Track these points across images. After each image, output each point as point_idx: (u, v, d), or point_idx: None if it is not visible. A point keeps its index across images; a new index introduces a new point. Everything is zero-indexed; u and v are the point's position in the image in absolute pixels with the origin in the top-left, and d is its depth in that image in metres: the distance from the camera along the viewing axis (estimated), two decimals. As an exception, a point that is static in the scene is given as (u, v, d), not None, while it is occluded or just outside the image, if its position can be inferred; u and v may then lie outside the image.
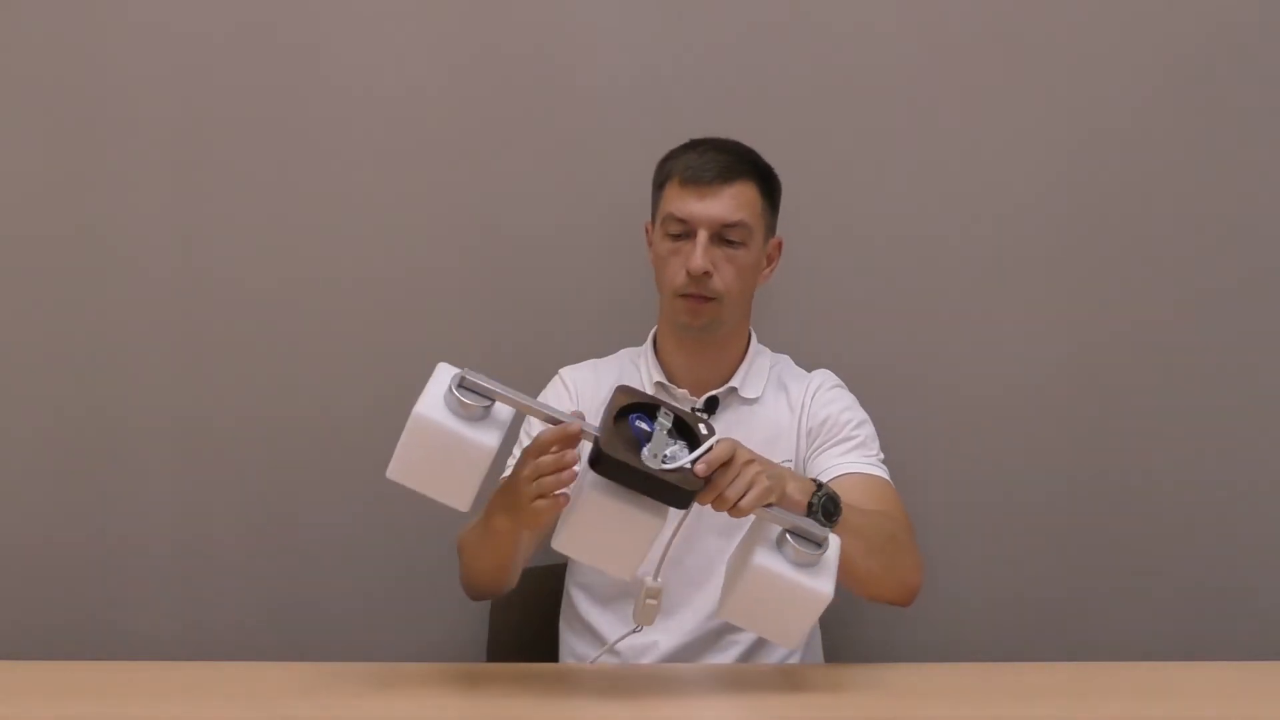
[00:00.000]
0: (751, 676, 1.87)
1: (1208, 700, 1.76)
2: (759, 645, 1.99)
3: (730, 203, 1.96)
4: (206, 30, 2.26)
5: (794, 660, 2.01)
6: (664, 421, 1.64)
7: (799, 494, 1.72)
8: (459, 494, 1.63)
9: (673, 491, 1.60)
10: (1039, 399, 2.37)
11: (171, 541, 2.31)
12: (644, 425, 1.63)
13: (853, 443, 2.00)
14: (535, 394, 2.08)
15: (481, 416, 1.61)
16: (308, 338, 2.31)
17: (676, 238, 1.98)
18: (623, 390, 1.67)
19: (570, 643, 2.07)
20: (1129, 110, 2.34)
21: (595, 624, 2.02)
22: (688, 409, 1.99)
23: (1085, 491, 2.38)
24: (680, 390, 2.04)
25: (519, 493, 1.67)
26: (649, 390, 2.04)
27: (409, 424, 1.61)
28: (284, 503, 2.32)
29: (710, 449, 1.62)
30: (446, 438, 1.60)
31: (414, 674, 1.79)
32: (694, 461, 1.61)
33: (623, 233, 2.27)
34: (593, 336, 2.20)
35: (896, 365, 2.33)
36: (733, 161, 1.99)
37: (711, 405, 2.03)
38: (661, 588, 1.74)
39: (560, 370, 2.11)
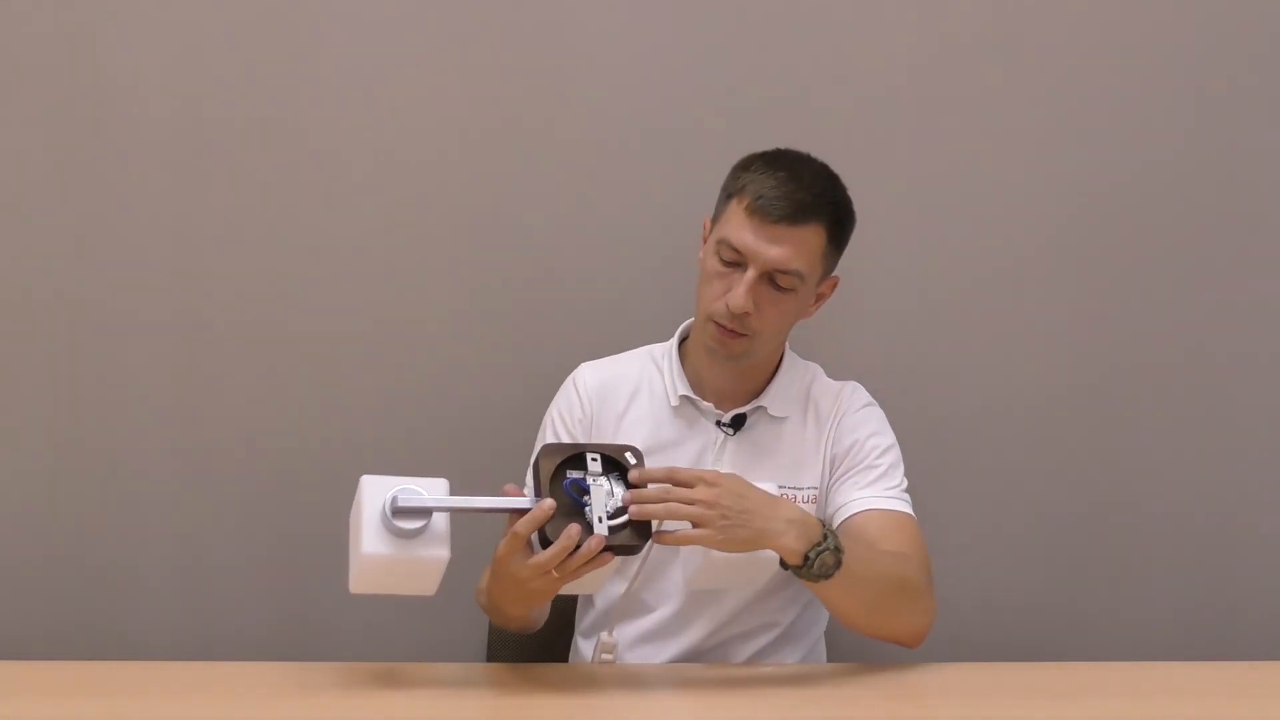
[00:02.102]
0: (753, 676, 1.87)
1: (1208, 700, 1.77)
2: (767, 652, 1.99)
3: (790, 250, 1.85)
4: (207, 31, 2.26)
5: (795, 660, 2.01)
6: (593, 468, 1.64)
7: (799, 540, 1.67)
8: (422, 591, 1.67)
9: (624, 549, 1.63)
10: (1040, 401, 2.37)
11: (172, 542, 2.31)
12: (577, 474, 1.64)
13: (876, 472, 1.94)
14: (552, 395, 2.07)
15: (424, 528, 1.62)
16: (310, 339, 2.30)
17: (727, 263, 1.88)
18: (546, 455, 1.65)
19: (580, 645, 2.06)
20: (1135, 111, 2.34)
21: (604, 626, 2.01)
22: (713, 423, 1.99)
23: (1085, 492, 2.39)
24: (706, 404, 1.98)
25: (532, 589, 1.66)
26: (674, 402, 1.99)
27: (361, 562, 1.63)
28: (285, 503, 2.31)
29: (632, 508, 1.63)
30: (397, 564, 1.63)
31: (414, 674, 1.79)
32: (626, 519, 1.62)
33: (639, 229, 2.29)
34: (609, 335, 2.18)
35: (899, 367, 2.33)
36: (807, 202, 1.85)
37: (738, 422, 1.98)
38: (616, 642, 1.81)
39: (578, 369, 2.06)
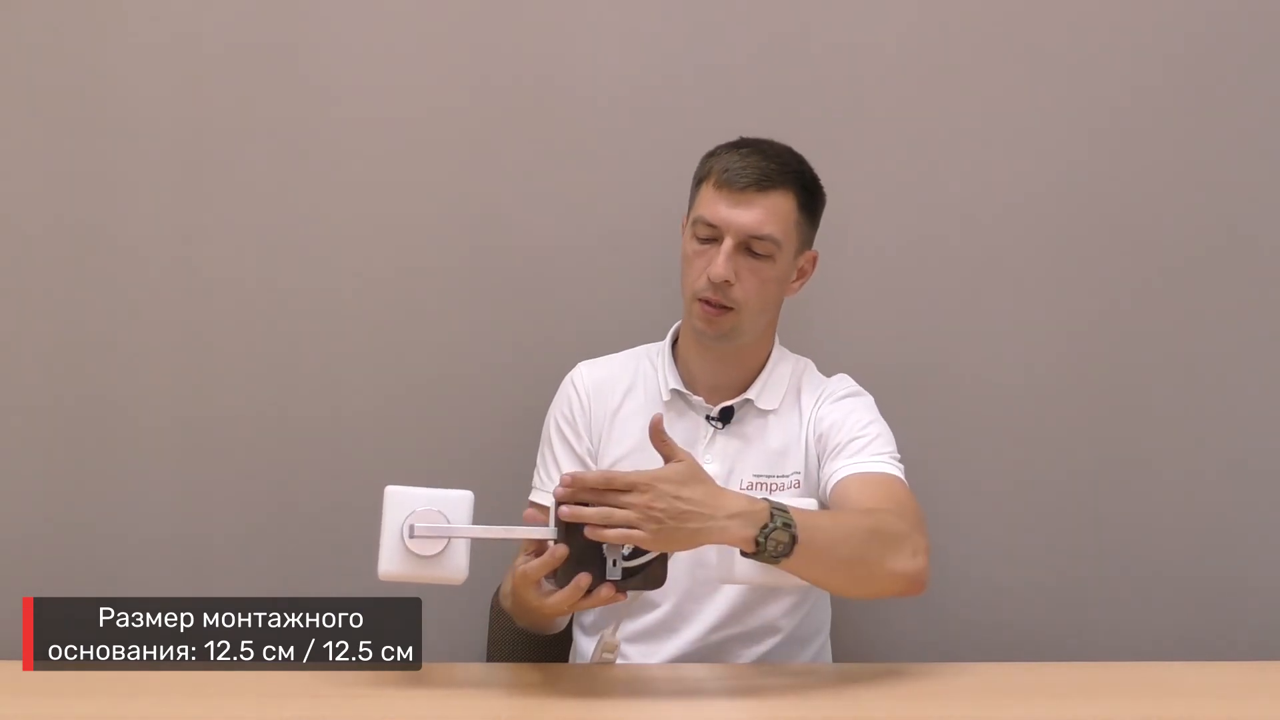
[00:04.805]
0: (757, 676, 1.87)
1: (1208, 700, 1.77)
2: (769, 657, 1.99)
3: (761, 214, 1.91)
4: (209, 32, 2.26)
5: (798, 660, 2.01)
6: None
7: (746, 529, 1.63)
8: (449, 583, 1.67)
9: (639, 589, 1.63)
10: (1039, 400, 2.37)
11: (172, 541, 2.31)
12: None
13: (861, 443, 1.94)
14: (551, 397, 2.09)
15: (443, 550, 1.64)
16: (311, 338, 2.31)
17: (704, 241, 1.93)
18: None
19: (580, 642, 2.07)
20: (1133, 109, 2.35)
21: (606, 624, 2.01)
22: (703, 417, 2.00)
23: (1085, 492, 2.38)
24: (696, 398, 2.01)
25: (546, 614, 1.69)
26: (665, 396, 2.01)
27: (380, 575, 1.65)
28: (285, 503, 2.32)
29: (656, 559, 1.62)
30: (415, 579, 1.64)
31: (414, 674, 1.79)
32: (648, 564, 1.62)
33: (637, 232, 2.29)
34: (609, 334, 2.20)
35: (902, 366, 2.33)
36: (773, 170, 1.92)
37: (726, 415, 2.00)
38: (619, 642, 1.81)
39: (576, 367, 2.09)
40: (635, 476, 1.60)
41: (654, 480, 1.60)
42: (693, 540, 1.62)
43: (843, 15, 2.31)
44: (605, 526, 1.58)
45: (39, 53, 2.26)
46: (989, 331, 2.36)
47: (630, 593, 1.64)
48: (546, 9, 2.30)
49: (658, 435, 1.66)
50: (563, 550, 1.60)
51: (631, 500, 1.59)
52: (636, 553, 1.62)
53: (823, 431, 1.98)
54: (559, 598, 1.61)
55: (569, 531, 1.61)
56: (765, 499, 1.67)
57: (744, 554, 1.66)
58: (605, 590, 1.61)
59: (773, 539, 1.64)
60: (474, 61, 2.29)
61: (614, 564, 1.61)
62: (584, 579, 1.60)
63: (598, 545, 1.61)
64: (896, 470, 1.93)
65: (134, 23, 2.26)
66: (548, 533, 1.63)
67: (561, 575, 1.61)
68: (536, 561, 1.62)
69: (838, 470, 1.93)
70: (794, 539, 1.64)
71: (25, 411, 2.29)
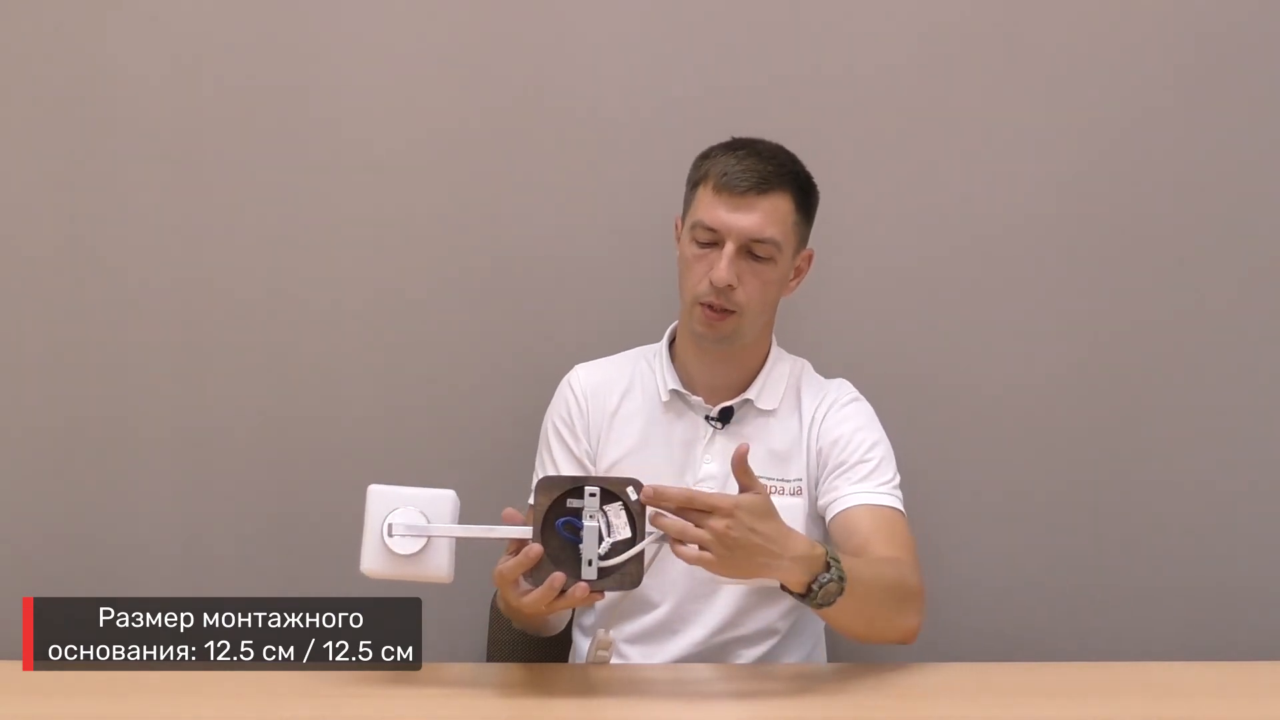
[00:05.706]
0: (756, 677, 1.87)
1: (1208, 700, 1.77)
2: (767, 658, 1.99)
3: (762, 217, 1.91)
4: (208, 33, 2.27)
5: (795, 660, 2.01)
6: (590, 503, 1.62)
7: (802, 574, 1.65)
8: (435, 581, 1.66)
9: (615, 589, 1.62)
10: (1042, 402, 2.37)
11: (171, 544, 2.31)
12: (577, 504, 1.62)
13: (867, 467, 1.95)
14: (547, 399, 2.09)
15: (424, 548, 1.64)
16: (311, 340, 2.31)
17: (704, 245, 1.92)
18: (542, 490, 1.64)
19: (579, 642, 2.07)
20: (1134, 111, 2.35)
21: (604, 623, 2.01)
22: (702, 418, 2.00)
23: (1085, 494, 2.39)
24: (696, 398, 2.01)
25: (528, 613, 1.68)
26: (664, 398, 2.02)
27: (364, 572, 1.67)
28: (284, 505, 2.32)
29: (645, 547, 1.61)
30: (397, 577, 1.65)
31: (414, 674, 1.79)
32: (628, 559, 1.61)
33: (634, 233, 2.30)
34: (605, 337, 2.20)
35: (903, 367, 2.34)
36: (770, 172, 1.92)
37: (726, 415, 2.00)
38: (612, 640, 1.80)
39: (572, 370, 2.09)
40: (717, 499, 1.61)
41: (735, 507, 1.61)
42: (755, 573, 1.64)
43: (841, 16, 2.32)
44: (680, 541, 1.60)
45: (39, 53, 2.26)
46: (984, 332, 2.36)
47: (608, 592, 1.64)
48: (545, 10, 2.30)
49: (741, 465, 1.65)
50: (536, 549, 1.60)
51: (712, 524, 1.60)
52: (613, 552, 1.62)
53: (826, 445, 1.98)
54: (534, 597, 1.61)
55: (545, 531, 1.61)
56: (821, 544, 1.69)
57: (784, 590, 1.68)
58: (579, 590, 1.60)
59: (825, 589, 1.66)
60: (473, 61, 2.29)
61: (589, 563, 1.61)
62: (557, 579, 1.60)
63: (574, 545, 1.61)
64: (899, 503, 1.94)
65: (135, 25, 2.26)
66: (525, 532, 1.62)
67: (537, 574, 1.61)
68: (512, 561, 1.62)
69: (845, 495, 1.94)
70: (842, 591, 1.67)
71: (25, 412, 2.30)
